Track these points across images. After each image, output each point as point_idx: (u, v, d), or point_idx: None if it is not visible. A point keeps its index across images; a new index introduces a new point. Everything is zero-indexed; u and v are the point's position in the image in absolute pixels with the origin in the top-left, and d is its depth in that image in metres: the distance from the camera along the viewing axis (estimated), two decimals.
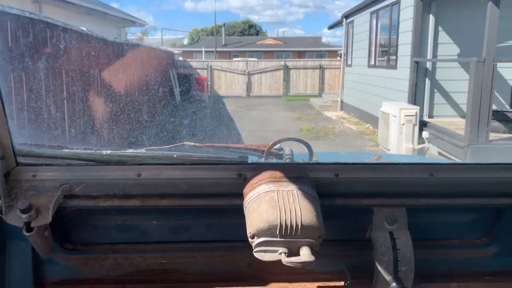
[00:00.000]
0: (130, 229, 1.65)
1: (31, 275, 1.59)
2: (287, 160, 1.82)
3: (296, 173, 1.45)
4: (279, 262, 1.71)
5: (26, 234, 1.40)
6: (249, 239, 1.36)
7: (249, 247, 1.70)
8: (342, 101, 15.81)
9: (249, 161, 1.55)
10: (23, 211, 1.36)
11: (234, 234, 1.68)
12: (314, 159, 1.90)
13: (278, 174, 1.42)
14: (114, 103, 7.70)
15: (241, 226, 1.66)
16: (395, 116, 8.54)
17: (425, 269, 1.64)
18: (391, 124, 8.76)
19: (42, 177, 1.46)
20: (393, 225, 1.53)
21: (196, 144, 1.66)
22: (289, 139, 1.75)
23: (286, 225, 1.30)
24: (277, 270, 1.71)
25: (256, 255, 1.36)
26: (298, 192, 1.37)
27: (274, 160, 1.84)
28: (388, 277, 1.48)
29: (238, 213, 1.55)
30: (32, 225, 1.39)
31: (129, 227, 1.64)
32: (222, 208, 1.58)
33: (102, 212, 1.61)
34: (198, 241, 1.68)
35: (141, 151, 1.56)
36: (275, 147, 1.77)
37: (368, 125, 12.29)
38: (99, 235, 1.65)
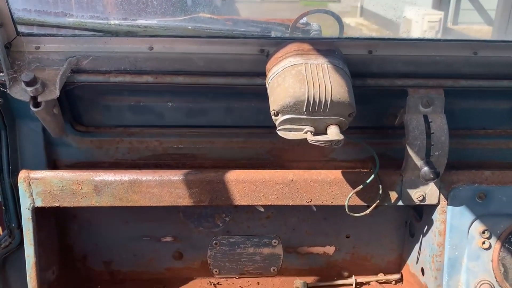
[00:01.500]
0: (145, 111, 1.55)
1: (44, 156, 1.54)
2: (315, 35, 1.66)
3: (326, 46, 1.30)
4: (300, 149, 1.64)
5: (34, 109, 1.31)
6: (273, 117, 1.25)
7: (270, 134, 1.61)
8: (362, 7, 14.95)
9: (272, 35, 1.40)
10: (28, 84, 1.26)
11: (254, 119, 1.58)
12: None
13: (306, 46, 1.28)
14: None
15: (261, 110, 1.55)
16: (418, 22, 8.06)
17: (455, 159, 1.55)
18: (413, 32, 8.30)
19: (46, 49, 1.34)
20: (428, 108, 1.41)
21: (212, 16, 1.50)
22: (318, 10, 1.57)
23: (314, 101, 1.18)
24: (298, 157, 1.64)
25: (280, 133, 1.26)
26: (328, 65, 1.23)
27: (300, 36, 1.68)
28: (419, 162, 1.39)
29: (259, 95, 1.44)
30: (39, 99, 1.30)
31: (143, 108, 1.54)
32: (242, 88, 1.47)
33: (114, 91, 1.50)
34: (216, 126, 1.59)
35: (153, 22, 1.40)
36: (301, 21, 1.60)
37: (388, 32, 11.69)
38: (112, 117, 1.56)
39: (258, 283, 1.77)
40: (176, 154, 1.60)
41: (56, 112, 1.39)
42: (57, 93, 1.30)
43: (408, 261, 1.73)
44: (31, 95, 1.28)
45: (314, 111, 1.20)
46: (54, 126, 1.42)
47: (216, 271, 1.76)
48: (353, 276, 1.76)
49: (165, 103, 1.53)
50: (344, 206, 1.46)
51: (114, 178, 1.42)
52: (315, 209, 1.67)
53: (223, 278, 1.77)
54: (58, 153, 1.58)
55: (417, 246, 1.64)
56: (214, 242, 1.73)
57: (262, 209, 1.67)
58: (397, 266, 1.80)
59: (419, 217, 1.63)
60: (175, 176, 1.43)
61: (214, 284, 1.75)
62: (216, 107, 1.56)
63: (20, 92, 1.30)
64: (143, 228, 1.69)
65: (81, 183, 1.41)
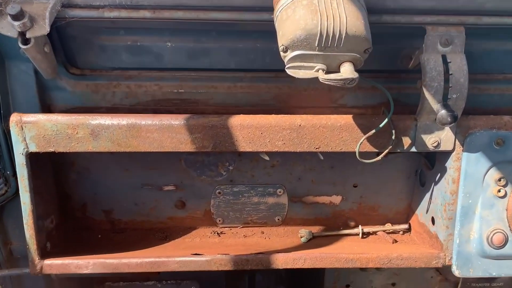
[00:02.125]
0: (143, 52, 1.45)
1: (37, 101, 1.45)
2: None
3: None
4: (307, 94, 1.55)
5: (23, 47, 1.21)
6: (281, 53, 1.16)
7: (276, 78, 1.51)
8: None
9: None
10: (15, 18, 1.15)
11: (260, 62, 1.49)
12: None
13: None
14: None
15: (267, 52, 1.46)
16: None
17: (470, 106, 1.46)
18: None
19: None
20: (447, 47, 1.31)
21: None
22: None
23: (327, 34, 1.08)
24: (305, 104, 1.56)
25: (289, 71, 1.17)
26: None
27: None
28: (435, 105, 1.30)
29: (265, 34, 1.34)
30: (27, 36, 1.20)
31: (141, 49, 1.44)
32: (246, 26, 1.36)
33: (109, 29, 1.40)
34: (219, 70, 1.50)
35: None
36: None
37: None
38: (108, 58, 1.46)
39: (263, 232, 1.73)
40: (176, 99, 1.52)
41: (47, 50, 1.29)
42: (47, 29, 1.20)
43: (417, 211, 1.68)
44: (19, 30, 1.18)
45: (327, 46, 1.10)
46: (46, 66, 1.32)
47: (219, 221, 1.71)
48: (360, 226, 1.72)
49: (164, 43, 1.43)
50: (353, 153, 1.39)
51: (111, 122, 1.34)
52: (322, 158, 1.61)
53: (226, 227, 1.73)
54: (52, 98, 1.49)
55: (427, 196, 1.59)
56: (218, 191, 1.67)
57: (267, 158, 1.60)
58: (405, 216, 1.76)
59: (430, 165, 1.57)
60: (176, 120, 1.35)
61: (217, 233, 1.71)
62: (219, 47, 1.45)
63: (7, 27, 1.20)
64: (144, 177, 1.63)
65: (76, 127, 1.34)
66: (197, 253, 1.47)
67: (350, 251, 1.52)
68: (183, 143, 1.36)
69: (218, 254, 1.45)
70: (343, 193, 1.71)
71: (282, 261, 1.46)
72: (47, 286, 1.79)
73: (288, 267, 1.45)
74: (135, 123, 1.34)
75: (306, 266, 1.46)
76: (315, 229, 1.74)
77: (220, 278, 2.50)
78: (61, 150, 1.35)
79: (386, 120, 1.32)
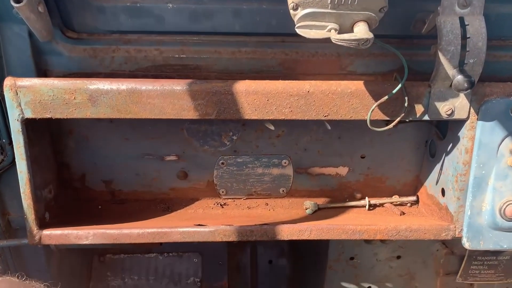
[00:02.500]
0: (142, 14, 1.37)
1: (33, 65, 1.38)
2: None
3: None
4: (315, 61, 1.48)
5: (15, 5, 1.14)
6: (291, 12, 1.09)
7: (282, 43, 1.44)
8: None
9: None
10: None
11: (266, 25, 1.41)
12: None
13: None
14: None
15: (274, 14, 1.38)
16: None
17: (485, 74, 1.40)
18: None
19: None
20: (465, 8, 1.23)
21: None
22: None
23: None
24: (313, 70, 1.49)
25: (299, 31, 1.10)
26: None
27: None
28: (451, 71, 1.24)
29: None
30: None
31: (140, 11, 1.36)
32: None
33: None
34: (223, 33, 1.42)
35: None
36: None
37: None
38: (106, 21, 1.38)
39: (267, 204, 1.69)
40: (178, 65, 1.45)
41: (41, 10, 1.22)
42: None
43: (426, 183, 1.64)
44: None
45: (341, 4, 1.03)
46: (40, 27, 1.25)
47: (223, 192, 1.67)
48: (367, 197, 1.67)
49: (164, 4, 1.35)
50: (362, 122, 1.34)
51: (110, 87, 1.28)
52: (329, 127, 1.55)
53: (230, 198, 1.69)
54: (48, 63, 1.42)
55: (437, 166, 1.54)
56: (221, 161, 1.62)
57: (272, 127, 1.55)
58: (413, 188, 1.72)
59: (442, 135, 1.52)
60: (179, 85, 1.29)
61: (220, 205, 1.67)
62: (222, 9, 1.37)
63: None
64: (145, 146, 1.58)
65: (74, 92, 1.27)
66: (200, 224, 1.43)
67: (357, 222, 1.48)
68: (186, 110, 1.30)
69: (222, 225, 1.41)
70: (350, 164, 1.66)
71: (287, 232, 1.42)
72: (47, 257, 1.76)
73: (294, 238, 1.42)
74: (135, 88, 1.28)
75: (312, 237, 1.42)
76: (321, 201, 1.70)
77: (222, 251, 2.48)
78: (58, 116, 1.29)
79: (400, 85, 1.26)
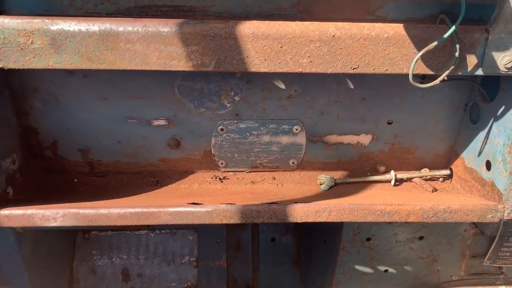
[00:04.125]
0: None
1: None
2: None
3: None
4: (337, 2, 1.19)
5: None
6: None
7: None
8: None
9: None
10: None
11: None
12: None
13: None
14: None
15: None
16: None
17: None
18: None
19: None
20: None
21: None
22: None
23: None
24: (334, 15, 1.19)
25: None
26: None
27: None
28: None
29: None
30: None
31: None
32: None
33: None
34: None
35: None
36: None
37: None
38: None
39: (274, 178, 1.44)
40: (165, 6, 1.15)
41: None
42: None
43: (464, 154, 1.38)
44: None
45: None
46: None
47: (222, 164, 1.41)
48: (392, 171, 1.42)
49: None
50: (394, 78, 1.07)
51: (78, 28, 0.99)
52: (351, 87, 1.28)
53: (230, 171, 1.43)
54: (4, 1, 1.12)
55: (481, 135, 1.28)
56: (220, 127, 1.35)
57: (282, 86, 1.27)
58: (446, 160, 1.46)
59: (488, 97, 1.25)
60: (166, 27, 1.00)
61: (219, 179, 1.41)
62: None
63: None
64: (127, 108, 1.30)
65: (31, 35, 0.99)
66: (195, 202, 1.17)
67: (383, 201, 1.22)
68: (175, 59, 1.02)
69: (222, 203, 1.15)
70: (374, 131, 1.39)
71: (301, 214, 1.16)
72: (17, 237, 1.51)
73: (310, 220, 1.16)
74: (110, 30, 0.99)
75: (331, 219, 1.17)
76: (338, 174, 1.44)
77: (219, 228, 2.23)
78: (12, 66, 1.01)
79: (453, 28, 0.97)
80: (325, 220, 1.17)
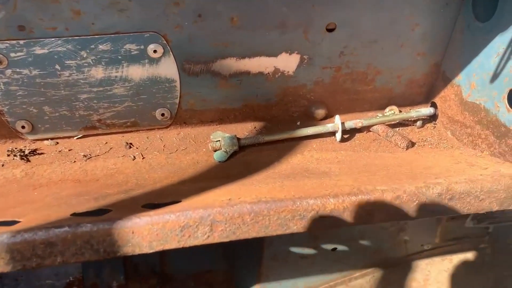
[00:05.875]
0: None
1: None
2: None
3: None
4: None
5: None
6: None
7: None
8: None
9: None
10: None
11: None
12: None
13: None
14: None
15: None
16: None
17: None
18: None
19: None
20: None
21: None
22: None
23: None
24: None
25: None
26: None
27: None
28: None
29: None
30: None
31: None
32: None
33: None
34: None
35: None
36: None
37: None
38: None
39: (129, 144, 0.79)
40: None
41: None
42: None
43: (460, 79, 0.79)
44: None
45: None
46: None
47: (23, 127, 0.72)
48: (337, 116, 0.81)
49: None
50: None
51: None
52: None
53: (45, 139, 0.75)
54: None
55: (497, 42, 0.68)
56: None
57: None
58: (426, 90, 0.87)
59: None
60: None
61: (23, 156, 0.73)
62: None
63: None
64: None
65: None
66: None
67: (326, 182, 0.63)
68: None
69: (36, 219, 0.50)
70: (303, 46, 0.75)
71: (148, 237, 0.53)
72: None
73: (168, 248, 0.54)
74: None
75: (216, 239, 0.56)
76: (242, 130, 0.82)
77: None
78: None
79: None
80: (202, 243, 0.55)
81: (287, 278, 1.33)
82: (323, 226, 0.58)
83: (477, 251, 1.41)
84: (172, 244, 0.54)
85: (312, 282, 1.33)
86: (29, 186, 0.69)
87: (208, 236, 0.55)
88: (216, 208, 0.54)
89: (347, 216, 0.57)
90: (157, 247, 0.54)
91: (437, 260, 1.40)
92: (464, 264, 1.39)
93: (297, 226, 0.57)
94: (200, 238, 0.54)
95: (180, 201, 0.58)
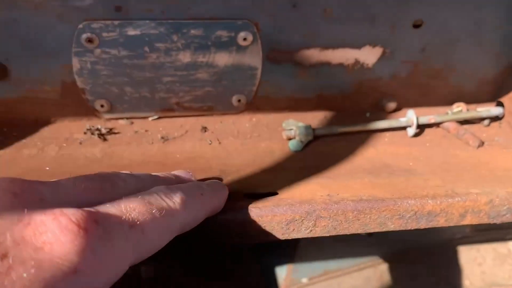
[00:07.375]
0: None
1: None
2: None
3: None
4: None
5: None
6: None
7: None
8: None
9: None
10: None
11: None
12: None
13: None
14: None
15: None
16: None
17: None
18: None
19: None
20: None
21: None
22: None
23: None
24: None
25: None
26: None
27: None
28: None
29: None
30: None
31: None
32: None
33: None
34: None
35: None
36: None
37: None
38: None
39: (205, 128, 0.79)
40: None
41: None
42: None
43: None
44: None
45: None
46: None
47: (102, 106, 0.72)
48: (410, 110, 0.81)
49: None
50: None
51: None
52: None
53: (120, 119, 0.75)
54: None
55: None
56: (86, 36, 0.65)
57: None
58: (494, 89, 0.87)
59: None
60: None
61: (100, 134, 0.73)
62: None
63: None
64: None
65: None
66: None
67: (414, 184, 0.64)
68: None
69: None
70: (387, 40, 0.75)
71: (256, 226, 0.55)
72: None
73: (278, 238, 0.56)
74: None
75: (318, 233, 0.57)
76: (316, 119, 0.82)
77: None
78: None
79: None
80: (304, 236, 0.57)
81: (319, 260, 1.36)
82: (416, 226, 0.59)
83: (504, 242, 1.45)
84: (275, 236, 0.55)
85: (344, 265, 1.36)
86: (111, 167, 0.69)
87: (311, 231, 0.56)
88: (320, 204, 0.55)
89: (441, 218, 0.59)
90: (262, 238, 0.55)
91: (464, 249, 1.44)
92: (492, 254, 1.43)
93: (394, 225, 0.58)
94: (303, 232, 0.56)
95: (277, 193, 0.59)
